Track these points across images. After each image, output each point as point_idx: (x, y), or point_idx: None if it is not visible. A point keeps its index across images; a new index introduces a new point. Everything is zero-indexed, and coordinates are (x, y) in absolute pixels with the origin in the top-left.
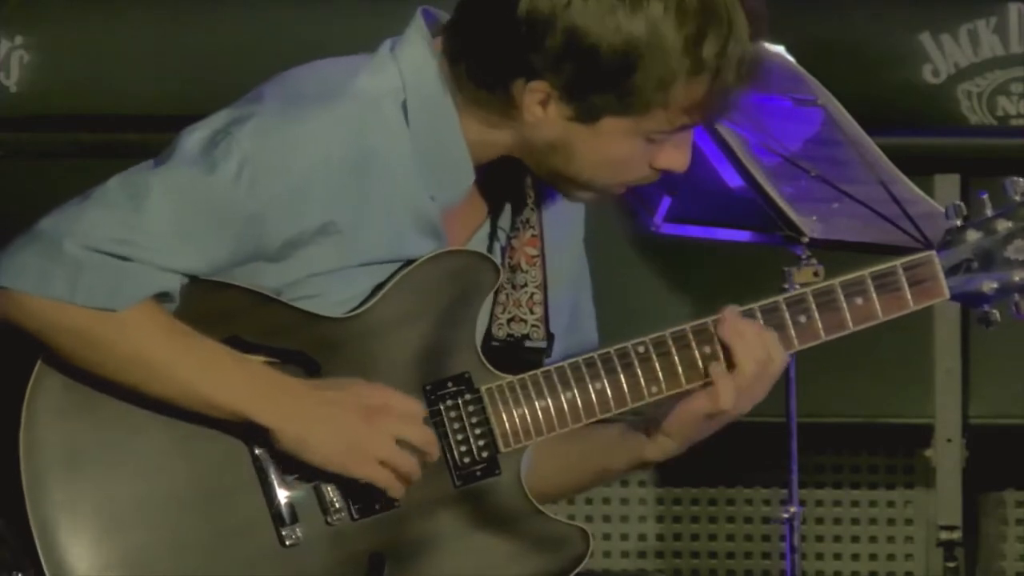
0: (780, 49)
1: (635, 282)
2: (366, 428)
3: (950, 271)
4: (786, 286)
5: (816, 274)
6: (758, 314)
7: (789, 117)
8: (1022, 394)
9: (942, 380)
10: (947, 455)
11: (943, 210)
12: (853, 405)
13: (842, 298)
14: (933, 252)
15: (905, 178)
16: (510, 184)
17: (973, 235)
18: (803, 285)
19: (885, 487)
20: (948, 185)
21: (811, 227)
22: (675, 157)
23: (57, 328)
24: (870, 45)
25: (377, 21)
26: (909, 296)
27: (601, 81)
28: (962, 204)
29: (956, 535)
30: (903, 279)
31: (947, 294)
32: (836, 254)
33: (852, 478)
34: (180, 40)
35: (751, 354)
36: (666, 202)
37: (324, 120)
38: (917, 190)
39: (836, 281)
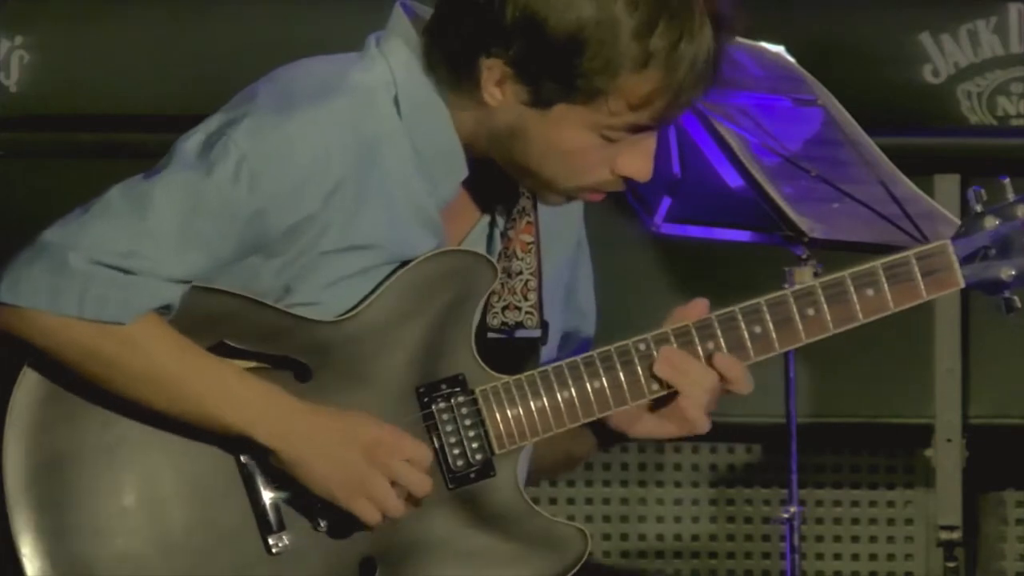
0: (780, 49)
1: (635, 282)
2: (366, 465)
3: (966, 259)
4: (786, 286)
5: (816, 274)
6: (764, 307)
7: (789, 117)
8: (1022, 394)
9: (942, 380)
10: (947, 455)
11: (944, 210)
12: (853, 405)
13: (852, 289)
14: (947, 241)
15: (905, 178)
16: (504, 175)
17: (991, 221)
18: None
19: (885, 487)
20: (948, 185)
21: (811, 227)
22: (635, 163)
23: (67, 344)
24: (870, 45)
25: (377, 21)
26: (922, 286)
27: (549, 60)
28: (983, 191)
29: (956, 535)
30: (916, 269)
31: (962, 283)
32: (836, 254)
33: (852, 478)
34: (180, 40)
35: (699, 387)
36: (666, 202)
37: (319, 115)
38: (917, 190)
39: (846, 272)
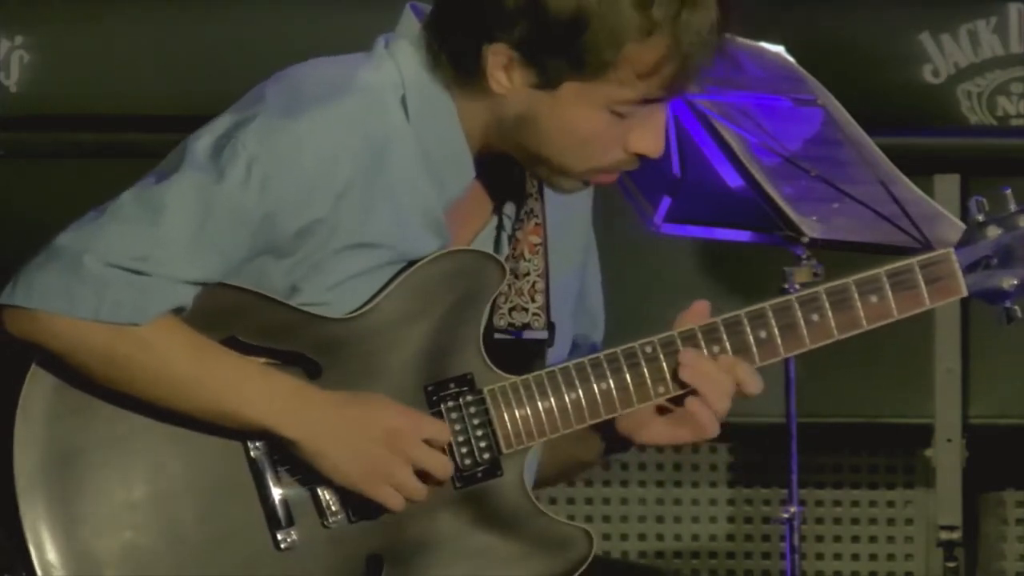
0: (780, 49)
1: (635, 282)
2: (387, 452)
3: (969, 268)
4: (786, 286)
5: (816, 274)
6: (769, 313)
7: (789, 117)
8: (1022, 394)
9: (942, 380)
10: (947, 455)
11: (944, 210)
12: (853, 405)
13: (856, 296)
14: (951, 250)
15: (905, 178)
16: (513, 175)
17: (994, 231)
18: (803, 285)
19: (885, 487)
20: (948, 185)
21: (811, 227)
22: (647, 139)
23: (83, 347)
24: (870, 45)
25: (377, 20)
26: (926, 294)
27: (554, 38)
28: (984, 200)
29: (956, 535)
30: (919, 276)
31: (965, 292)
32: (836, 254)
33: (852, 478)
34: (180, 40)
35: (720, 391)
36: (666, 202)
37: (328, 116)
38: (917, 190)
39: (851, 279)
